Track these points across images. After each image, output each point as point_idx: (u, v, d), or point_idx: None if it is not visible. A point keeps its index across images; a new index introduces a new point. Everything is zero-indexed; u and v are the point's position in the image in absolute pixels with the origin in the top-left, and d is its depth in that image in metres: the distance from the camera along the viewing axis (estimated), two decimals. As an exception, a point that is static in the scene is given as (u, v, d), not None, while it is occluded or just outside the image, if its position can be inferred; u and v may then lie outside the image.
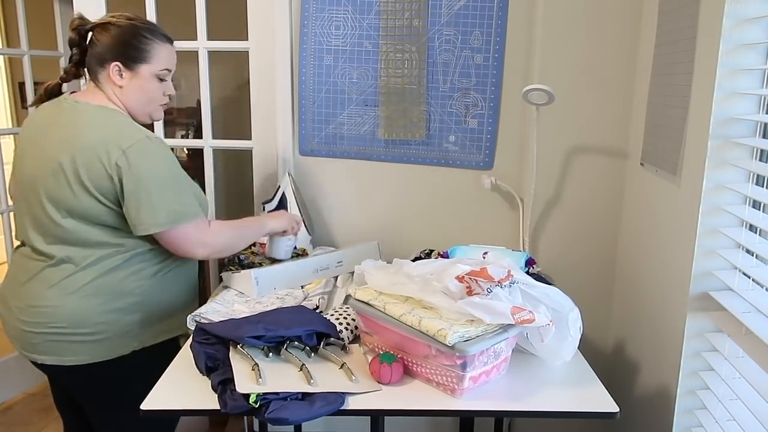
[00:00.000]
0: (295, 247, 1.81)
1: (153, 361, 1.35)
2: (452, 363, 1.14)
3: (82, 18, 1.41)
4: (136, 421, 1.17)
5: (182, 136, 3.82)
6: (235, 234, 1.51)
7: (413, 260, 1.71)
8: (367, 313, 1.28)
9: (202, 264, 2.65)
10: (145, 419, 1.13)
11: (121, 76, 1.38)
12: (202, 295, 1.94)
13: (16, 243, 1.47)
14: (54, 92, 1.44)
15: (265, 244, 1.81)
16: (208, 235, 1.41)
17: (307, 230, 1.91)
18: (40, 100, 1.44)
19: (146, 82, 1.40)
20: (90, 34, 1.39)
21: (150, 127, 2.20)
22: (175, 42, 2.13)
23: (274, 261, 1.75)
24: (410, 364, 1.23)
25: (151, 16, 2.07)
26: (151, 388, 1.18)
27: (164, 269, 1.45)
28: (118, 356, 1.40)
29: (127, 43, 1.37)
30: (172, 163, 1.36)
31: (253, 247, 1.85)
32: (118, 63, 1.36)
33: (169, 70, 1.44)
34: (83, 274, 1.36)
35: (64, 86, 1.46)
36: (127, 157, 1.29)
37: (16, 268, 1.43)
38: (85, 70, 1.42)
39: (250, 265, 1.72)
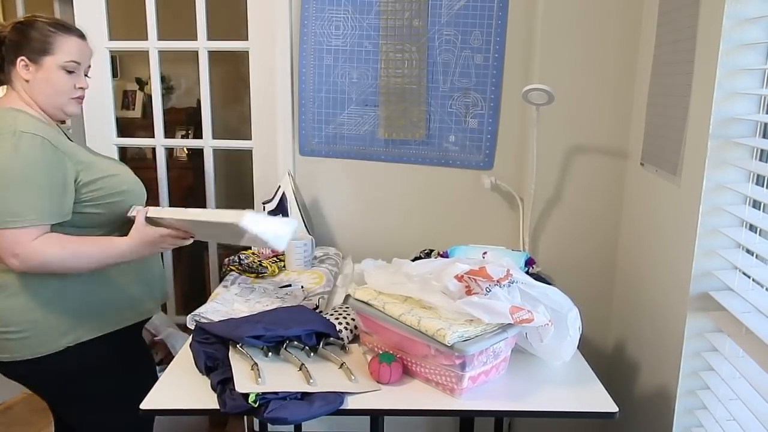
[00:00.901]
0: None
1: (100, 354, 1.43)
2: (451, 363, 1.13)
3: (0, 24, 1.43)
4: (98, 416, 1.18)
5: (182, 136, 3.82)
6: (63, 254, 1.34)
7: (413, 260, 1.71)
8: (366, 313, 1.28)
9: (202, 264, 2.66)
10: (110, 412, 1.14)
11: (27, 69, 1.39)
12: (202, 295, 1.94)
13: None
14: None
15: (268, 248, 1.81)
16: (24, 248, 1.29)
17: (307, 230, 1.91)
18: None
19: (51, 73, 1.40)
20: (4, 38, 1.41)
21: (150, 127, 2.21)
22: (173, 42, 2.13)
23: (277, 269, 1.75)
24: (410, 363, 1.23)
25: (151, 16, 2.07)
26: (109, 381, 1.18)
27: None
28: (52, 352, 1.40)
29: (30, 37, 1.39)
30: (32, 162, 1.30)
31: (254, 247, 1.85)
32: (23, 57, 1.38)
33: (78, 63, 1.44)
34: (5, 274, 1.37)
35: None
36: None
37: None
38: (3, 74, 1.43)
39: (251, 266, 1.72)
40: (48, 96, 1.41)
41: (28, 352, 1.40)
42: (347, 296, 1.55)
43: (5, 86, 1.44)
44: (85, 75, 1.49)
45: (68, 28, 1.44)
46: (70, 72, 1.42)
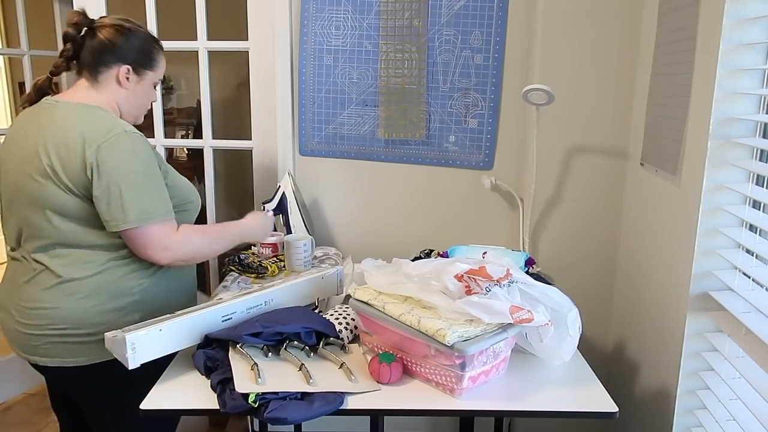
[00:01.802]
0: (278, 258, 1.80)
1: (155, 360, 1.34)
2: (451, 363, 1.13)
3: (84, 15, 1.41)
4: (138, 422, 1.16)
5: (182, 136, 3.82)
6: (206, 241, 1.43)
7: (413, 260, 1.72)
8: (366, 313, 1.28)
9: (202, 264, 2.65)
10: (146, 419, 1.12)
11: (128, 79, 1.41)
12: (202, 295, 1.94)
13: (8, 247, 1.46)
14: (44, 88, 1.45)
15: (269, 244, 1.81)
16: (171, 241, 1.35)
17: (307, 230, 1.91)
18: (29, 98, 1.44)
19: (147, 88, 1.47)
20: (94, 31, 1.39)
21: (150, 127, 2.21)
22: (173, 42, 2.14)
23: (280, 270, 1.75)
24: (410, 363, 1.23)
25: (151, 15, 2.08)
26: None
27: (162, 267, 1.44)
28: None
29: (144, 51, 1.43)
30: (147, 160, 1.33)
31: (253, 248, 1.85)
32: (129, 66, 1.40)
33: (162, 80, 1.52)
34: (80, 274, 1.35)
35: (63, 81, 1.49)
36: (102, 151, 1.28)
37: (12, 272, 1.42)
38: (76, 65, 1.43)
39: (251, 266, 1.72)
40: (137, 107, 1.47)
41: (98, 356, 1.35)
42: (347, 296, 1.55)
43: (82, 80, 1.42)
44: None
45: (161, 45, 1.50)
46: (155, 87, 1.50)
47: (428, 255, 1.78)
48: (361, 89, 1.99)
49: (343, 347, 1.32)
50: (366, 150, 2.03)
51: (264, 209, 1.90)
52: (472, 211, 2.03)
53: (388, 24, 1.93)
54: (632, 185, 1.82)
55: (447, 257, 1.66)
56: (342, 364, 1.22)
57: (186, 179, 1.53)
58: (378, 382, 1.19)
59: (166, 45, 2.12)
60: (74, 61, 1.42)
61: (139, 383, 1.21)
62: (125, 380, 1.40)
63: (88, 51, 1.39)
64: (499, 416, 1.77)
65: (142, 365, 1.25)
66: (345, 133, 2.03)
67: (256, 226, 1.61)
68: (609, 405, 1.17)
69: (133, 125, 1.41)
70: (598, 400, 1.19)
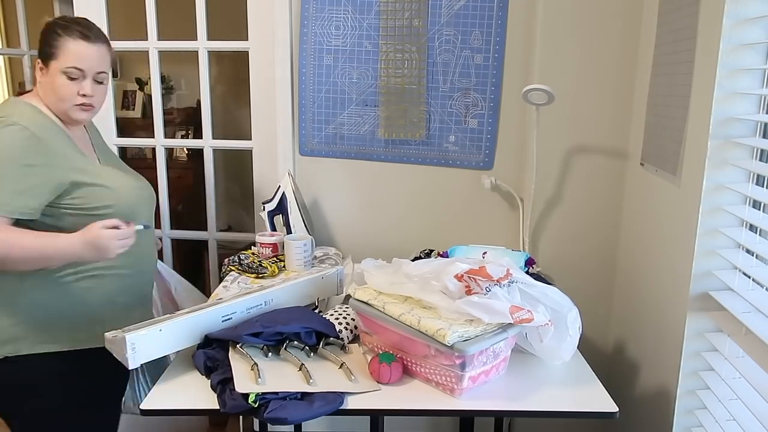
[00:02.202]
0: (277, 258, 1.77)
1: (45, 371, 1.36)
2: (451, 363, 1.13)
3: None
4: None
5: (182, 136, 3.82)
6: (20, 251, 1.26)
7: (413, 260, 1.72)
8: (366, 313, 1.28)
9: (202, 264, 2.66)
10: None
11: (41, 72, 1.39)
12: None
13: None
14: None
15: (269, 244, 1.81)
16: None
17: (307, 230, 1.91)
18: None
19: (54, 78, 1.37)
20: None
21: (150, 127, 2.21)
22: (173, 42, 2.12)
23: (278, 270, 1.75)
24: (409, 363, 1.23)
25: (150, 16, 2.07)
26: (49, 397, 1.19)
27: (67, 277, 1.39)
28: None
29: (45, 41, 1.38)
30: (4, 154, 1.27)
31: (253, 247, 1.85)
32: (38, 60, 1.39)
33: (79, 69, 1.36)
34: None
35: None
36: None
37: None
38: None
39: (251, 266, 1.72)
40: (53, 101, 1.39)
41: None
42: (347, 296, 1.55)
43: None
44: (99, 82, 1.41)
45: (79, 32, 1.37)
46: (72, 78, 1.36)
47: (428, 255, 1.78)
48: (361, 89, 1.99)
49: (343, 347, 1.32)
50: (366, 150, 2.03)
51: (264, 209, 1.90)
52: (472, 211, 2.03)
53: (388, 24, 1.93)
54: (632, 185, 1.82)
55: (447, 257, 1.66)
56: (342, 364, 1.22)
57: (130, 182, 1.49)
58: (378, 381, 1.19)
59: (166, 45, 2.14)
60: None
61: (19, 392, 1.20)
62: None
63: None
64: (499, 416, 1.77)
65: (20, 373, 1.27)
66: (345, 133, 2.03)
67: (82, 242, 1.27)
68: (609, 405, 1.17)
69: (72, 122, 1.41)
70: (598, 400, 1.19)
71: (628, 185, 1.86)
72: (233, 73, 3.69)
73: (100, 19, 2.08)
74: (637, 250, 1.76)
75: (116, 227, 1.28)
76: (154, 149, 2.25)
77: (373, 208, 2.08)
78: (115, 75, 4.01)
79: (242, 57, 2.09)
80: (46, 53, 1.37)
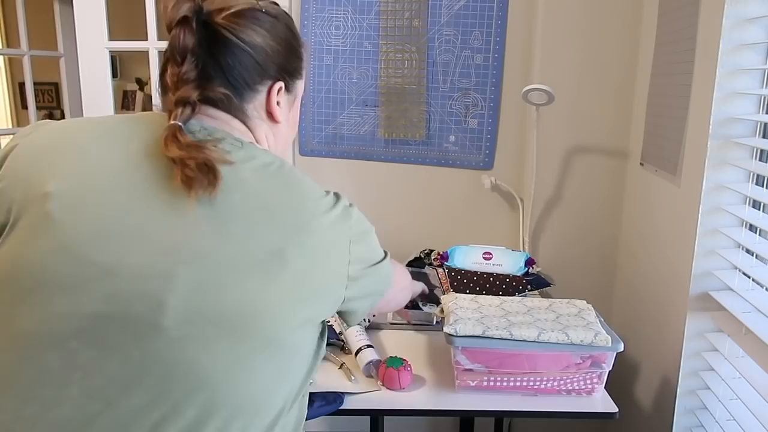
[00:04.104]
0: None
1: None
2: (602, 362, 1.20)
3: None
4: None
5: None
6: None
7: (413, 260, 1.72)
8: (483, 347, 1.20)
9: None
10: None
11: (284, 101, 0.90)
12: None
13: None
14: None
15: None
16: None
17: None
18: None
19: (298, 110, 0.98)
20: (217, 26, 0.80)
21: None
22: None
23: None
24: (532, 382, 1.22)
25: (151, 16, 2.07)
26: None
27: None
28: None
29: (291, 48, 0.89)
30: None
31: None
32: (281, 82, 0.88)
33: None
34: None
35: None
36: None
37: None
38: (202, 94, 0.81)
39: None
40: (287, 144, 1.03)
41: None
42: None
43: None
44: None
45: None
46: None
47: (428, 255, 1.79)
48: (361, 89, 1.99)
49: (342, 347, 1.32)
50: (366, 150, 2.03)
51: None
52: (472, 211, 2.03)
53: (388, 24, 1.93)
54: (632, 185, 1.82)
55: (447, 257, 1.66)
56: (342, 364, 1.22)
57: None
58: (389, 388, 1.19)
59: (166, 45, 2.13)
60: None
61: None
62: None
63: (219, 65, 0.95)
64: (499, 416, 1.77)
65: None
66: (345, 133, 2.03)
67: None
68: (609, 405, 1.18)
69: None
70: (598, 400, 1.19)
71: (628, 185, 1.86)
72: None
73: (100, 19, 2.08)
74: (637, 250, 1.76)
75: None
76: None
77: (373, 208, 2.08)
78: (114, 75, 4.02)
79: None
80: (294, 70, 0.90)
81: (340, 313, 0.90)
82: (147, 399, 0.70)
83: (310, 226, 0.79)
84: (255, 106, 0.86)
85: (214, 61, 0.81)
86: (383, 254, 0.99)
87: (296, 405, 0.85)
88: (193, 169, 0.73)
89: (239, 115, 0.85)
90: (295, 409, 0.84)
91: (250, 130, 0.87)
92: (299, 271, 0.76)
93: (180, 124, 0.77)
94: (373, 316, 1.41)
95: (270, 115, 0.88)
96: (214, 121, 0.83)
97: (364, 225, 0.92)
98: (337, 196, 0.88)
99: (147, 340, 0.70)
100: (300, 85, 0.94)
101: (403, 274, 1.17)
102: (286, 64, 0.88)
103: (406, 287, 1.16)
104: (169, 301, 0.70)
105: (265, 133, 0.89)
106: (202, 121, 0.81)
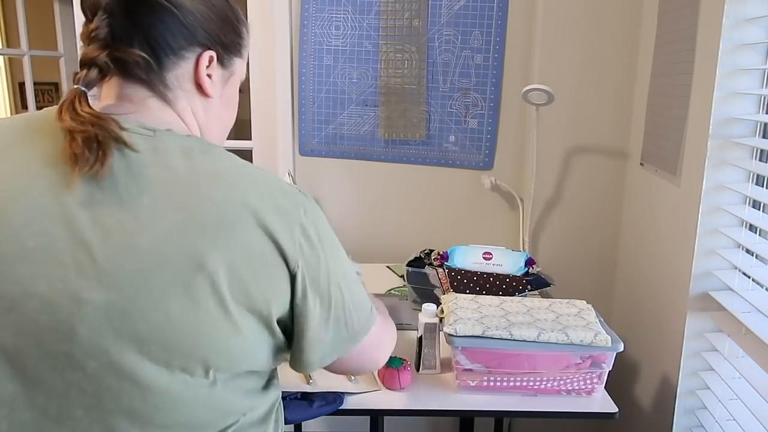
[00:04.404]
0: None
1: None
2: (602, 362, 1.19)
3: None
4: None
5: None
6: None
7: (413, 260, 1.72)
8: (483, 347, 1.20)
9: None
10: None
11: (215, 75, 0.80)
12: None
13: None
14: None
15: None
16: None
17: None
18: None
19: (236, 90, 0.90)
20: None
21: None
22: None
23: None
24: (532, 382, 1.21)
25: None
26: None
27: None
28: None
29: (229, 23, 0.81)
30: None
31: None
32: (212, 52, 0.78)
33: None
34: None
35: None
36: None
37: None
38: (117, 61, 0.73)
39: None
40: (225, 129, 0.95)
41: None
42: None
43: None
44: None
45: None
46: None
47: (428, 255, 1.78)
48: (361, 89, 1.99)
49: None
50: (366, 150, 2.03)
51: None
52: (472, 211, 2.03)
53: (388, 24, 1.93)
54: (632, 185, 1.82)
55: (447, 257, 1.66)
56: (342, 364, 1.22)
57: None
58: (389, 388, 1.19)
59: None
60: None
61: None
62: None
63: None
64: (499, 416, 1.77)
65: None
66: (345, 133, 2.03)
67: None
68: (609, 405, 1.17)
69: None
70: (598, 400, 1.19)
71: (628, 185, 1.86)
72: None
73: (100, 19, 2.08)
74: (637, 250, 1.76)
75: None
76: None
77: (373, 208, 2.08)
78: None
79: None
80: (231, 44, 0.82)
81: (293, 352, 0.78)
82: (80, 429, 0.66)
83: (238, 225, 0.67)
84: (178, 75, 0.75)
85: (131, 20, 0.70)
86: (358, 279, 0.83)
87: (268, 421, 0.79)
88: (80, 144, 0.64)
89: (157, 85, 0.73)
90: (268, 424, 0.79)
91: (169, 104, 0.75)
92: (226, 281, 0.66)
93: (83, 89, 0.68)
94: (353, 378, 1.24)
95: (200, 88, 0.77)
96: (124, 107, 0.72)
97: (322, 230, 0.77)
98: (292, 186, 0.76)
99: (66, 371, 0.65)
100: (239, 65, 0.85)
101: (388, 325, 0.95)
102: (220, 34, 0.77)
103: (387, 344, 0.93)
104: (79, 331, 0.63)
105: (190, 106, 0.77)
106: (110, 108, 0.72)
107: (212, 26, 0.76)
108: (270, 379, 0.82)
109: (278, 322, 0.73)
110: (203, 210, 0.67)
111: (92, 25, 0.69)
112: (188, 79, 0.76)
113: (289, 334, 0.76)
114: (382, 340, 0.90)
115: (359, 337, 0.81)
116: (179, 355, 0.66)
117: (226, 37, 0.79)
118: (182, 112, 0.77)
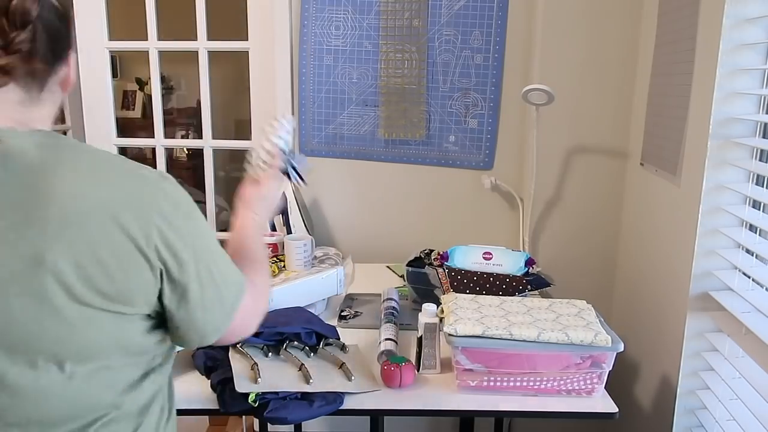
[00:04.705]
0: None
1: None
2: (601, 362, 1.19)
3: None
4: None
5: (182, 136, 3.82)
6: None
7: (413, 260, 1.72)
8: (481, 347, 1.19)
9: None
10: None
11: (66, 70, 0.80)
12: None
13: None
14: None
15: (269, 244, 1.80)
16: None
17: (307, 230, 1.90)
18: None
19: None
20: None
21: (150, 127, 2.21)
22: (173, 42, 2.11)
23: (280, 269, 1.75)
24: (532, 383, 1.21)
25: (150, 15, 2.07)
26: None
27: None
28: None
29: (68, 22, 0.79)
30: None
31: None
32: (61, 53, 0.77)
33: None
34: None
35: None
36: None
37: None
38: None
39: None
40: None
41: None
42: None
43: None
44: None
45: None
46: None
47: (428, 255, 1.78)
48: (361, 89, 1.99)
49: (343, 347, 1.32)
50: (366, 150, 2.03)
51: None
52: (472, 211, 2.03)
53: (388, 24, 1.93)
54: (632, 185, 1.82)
55: (447, 257, 1.66)
56: (342, 364, 1.22)
57: None
58: (390, 386, 1.19)
59: (166, 45, 2.14)
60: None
61: None
62: None
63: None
64: (499, 416, 1.77)
65: None
66: (345, 133, 2.03)
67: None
68: (609, 405, 1.17)
69: None
70: (598, 400, 1.19)
71: (628, 185, 1.86)
72: (235, 73, 3.69)
73: (100, 19, 2.08)
74: (637, 250, 1.76)
75: None
76: (154, 149, 2.25)
77: (373, 208, 2.08)
78: (114, 75, 4.01)
79: (243, 56, 2.09)
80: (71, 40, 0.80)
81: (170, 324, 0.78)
82: None
83: (86, 221, 0.67)
84: (60, 77, 0.76)
85: (51, 37, 0.71)
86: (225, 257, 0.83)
87: (149, 410, 0.80)
88: None
89: (33, 88, 0.72)
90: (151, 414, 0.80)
91: (37, 104, 0.74)
92: (75, 277, 0.66)
93: None
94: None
95: (65, 85, 0.77)
96: None
97: (183, 212, 0.75)
98: (150, 170, 0.74)
99: None
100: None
101: (259, 288, 0.95)
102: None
103: (261, 309, 0.95)
104: None
105: (54, 101, 0.77)
106: None
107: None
108: (152, 368, 0.81)
109: (149, 311, 0.74)
110: (43, 207, 0.66)
111: (19, 37, 0.67)
112: (60, 79, 0.76)
113: (164, 319, 0.77)
114: (255, 308, 0.92)
115: (233, 313, 0.83)
116: (25, 352, 0.67)
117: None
118: (50, 110, 0.77)
